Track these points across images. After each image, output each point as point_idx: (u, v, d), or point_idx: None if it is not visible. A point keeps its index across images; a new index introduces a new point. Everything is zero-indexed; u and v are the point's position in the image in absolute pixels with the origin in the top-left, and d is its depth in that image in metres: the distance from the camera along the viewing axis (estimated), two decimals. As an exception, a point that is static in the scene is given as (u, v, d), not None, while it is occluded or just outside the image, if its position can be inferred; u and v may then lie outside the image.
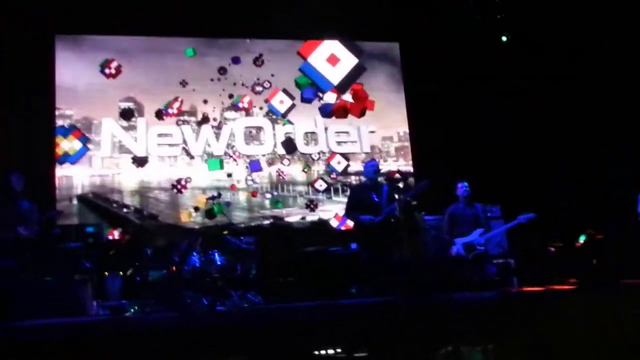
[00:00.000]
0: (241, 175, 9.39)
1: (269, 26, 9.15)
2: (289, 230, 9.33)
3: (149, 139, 9.10)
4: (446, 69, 9.28)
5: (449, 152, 9.06)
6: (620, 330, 4.65)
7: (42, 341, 4.19)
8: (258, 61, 9.67)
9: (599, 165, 8.69)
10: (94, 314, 6.11)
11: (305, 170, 9.68)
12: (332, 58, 9.92)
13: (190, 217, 9.02)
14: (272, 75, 9.66)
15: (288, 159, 9.61)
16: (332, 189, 9.69)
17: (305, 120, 9.75)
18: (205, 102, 9.39)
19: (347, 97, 9.88)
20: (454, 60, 9.30)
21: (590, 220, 8.25)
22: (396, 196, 6.61)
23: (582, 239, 8.12)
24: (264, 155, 9.54)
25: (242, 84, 9.57)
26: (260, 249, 7.52)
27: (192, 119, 9.38)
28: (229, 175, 9.32)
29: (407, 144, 10.03)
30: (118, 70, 9.11)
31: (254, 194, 9.40)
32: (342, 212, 9.15)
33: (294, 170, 9.65)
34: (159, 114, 9.19)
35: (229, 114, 9.52)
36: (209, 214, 8.90)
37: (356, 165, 9.76)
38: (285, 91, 9.68)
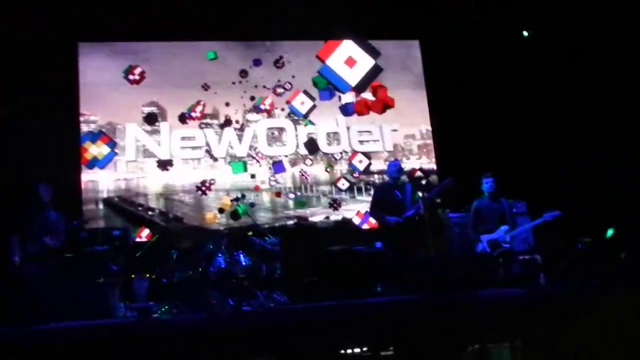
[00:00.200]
0: (264, 176, 9.43)
1: (288, 28, 9.15)
2: (313, 229, 9.34)
3: (172, 142, 9.19)
4: (467, 65, 9.19)
5: (472, 149, 8.96)
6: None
7: (71, 342, 4.25)
8: (278, 63, 9.71)
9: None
10: (121, 315, 6.21)
11: (328, 169, 9.68)
12: (349, 60, 9.91)
13: (215, 219, 9.08)
14: (293, 77, 9.69)
15: (310, 159, 9.62)
16: (354, 188, 9.68)
17: (327, 121, 9.75)
18: (227, 104, 9.45)
19: (367, 95, 9.88)
20: (475, 56, 9.20)
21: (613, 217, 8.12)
22: (420, 194, 6.61)
23: (609, 234, 7.99)
24: (286, 156, 9.57)
25: (264, 86, 9.61)
26: (285, 249, 7.49)
27: (215, 121, 9.44)
28: (253, 176, 9.36)
29: (430, 141, 9.97)
30: (142, 76, 9.21)
31: (277, 194, 9.44)
32: (364, 210, 9.16)
33: (317, 170, 9.66)
34: (182, 118, 9.27)
35: (251, 116, 9.56)
36: (234, 215, 8.94)
37: (378, 164, 9.73)
38: (306, 92, 9.70)
